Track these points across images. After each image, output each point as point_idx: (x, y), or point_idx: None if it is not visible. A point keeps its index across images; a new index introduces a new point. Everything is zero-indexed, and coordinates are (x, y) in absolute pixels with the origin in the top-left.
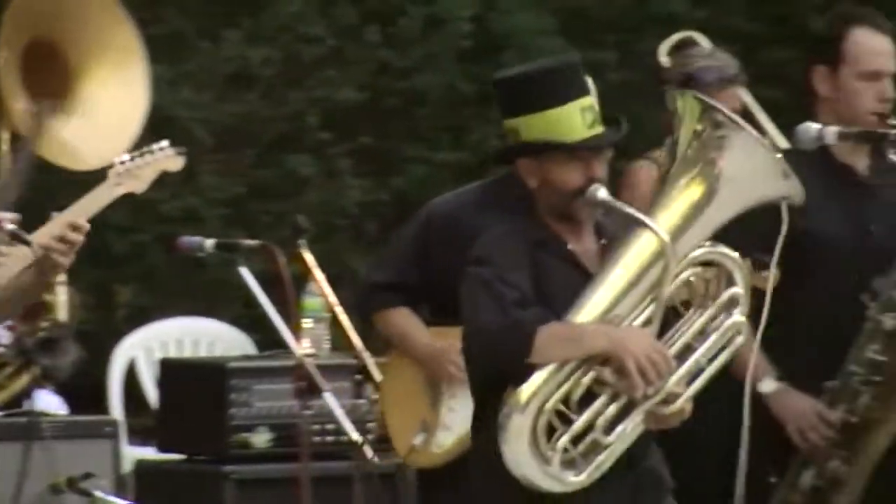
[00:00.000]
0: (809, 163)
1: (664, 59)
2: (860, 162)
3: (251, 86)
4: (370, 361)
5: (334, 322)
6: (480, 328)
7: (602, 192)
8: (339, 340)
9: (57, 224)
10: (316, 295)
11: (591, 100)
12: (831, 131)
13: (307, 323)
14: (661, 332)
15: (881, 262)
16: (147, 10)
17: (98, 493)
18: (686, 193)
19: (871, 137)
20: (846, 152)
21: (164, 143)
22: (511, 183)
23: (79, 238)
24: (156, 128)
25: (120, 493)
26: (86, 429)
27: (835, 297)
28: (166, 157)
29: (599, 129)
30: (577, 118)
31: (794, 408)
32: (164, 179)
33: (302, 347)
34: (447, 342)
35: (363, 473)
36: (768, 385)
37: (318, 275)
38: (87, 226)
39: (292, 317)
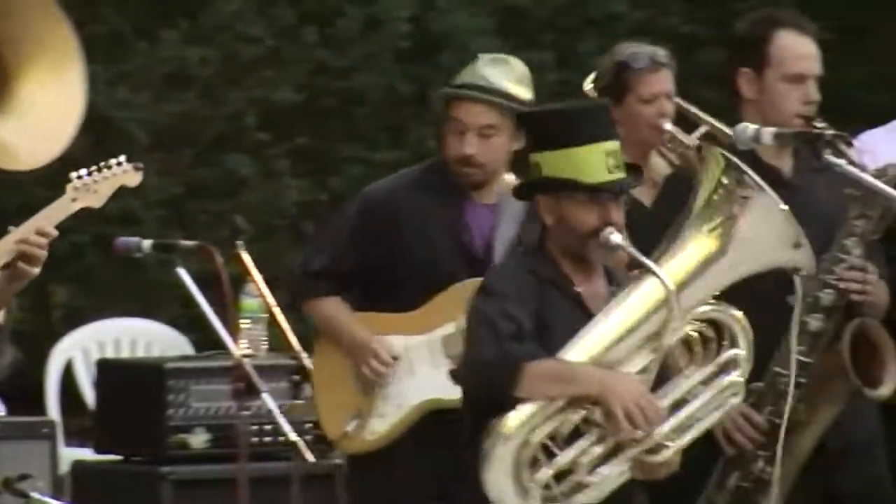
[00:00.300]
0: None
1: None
2: (785, 164)
3: (189, 86)
4: (308, 362)
5: (272, 322)
6: (473, 359)
7: (616, 237)
8: (277, 341)
9: (16, 234)
10: (254, 295)
11: (615, 145)
12: (768, 132)
13: (245, 323)
14: (658, 385)
15: None
16: (85, 9)
17: (34, 495)
18: (700, 245)
19: (806, 138)
20: (770, 153)
21: (122, 158)
22: (443, 167)
23: (42, 242)
24: (93, 128)
25: (57, 494)
26: (22, 430)
27: (761, 299)
28: (124, 173)
29: (621, 175)
30: (601, 160)
31: None
32: None
33: (240, 348)
34: (371, 335)
35: (301, 474)
36: None
37: (256, 275)
38: (55, 232)
39: (230, 317)
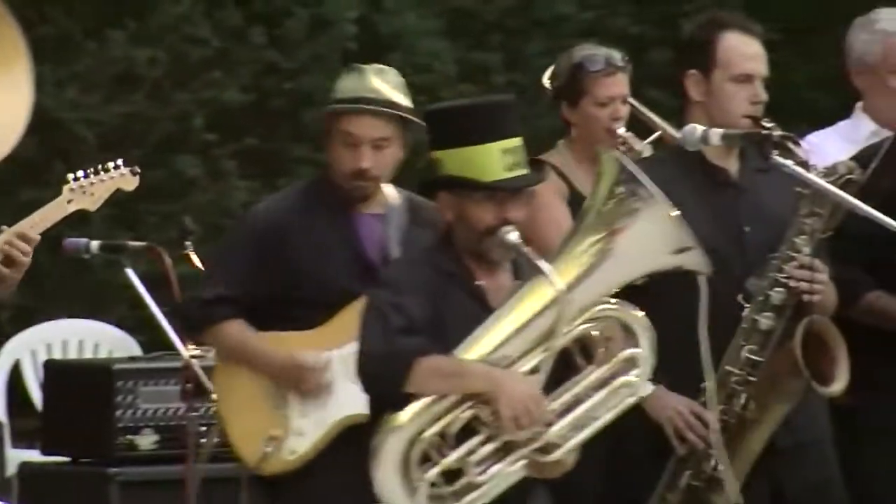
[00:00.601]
0: (687, 164)
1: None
2: (732, 164)
3: (137, 87)
4: None
5: None
6: (362, 352)
7: (512, 236)
8: None
9: (5, 235)
10: None
11: (516, 142)
12: (716, 133)
13: None
14: (560, 382)
15: (755, 262)
16: (33, 10)
17: None
18: (590, 250)
19: (754, 139)
20: (717, 154)
21: (119, 161)
22: (328, 182)
23: (25, 248)
24: (41, 129)
25: (4, 495)
26: None
27: (712, 298)
28: (121, 176)
29: (520, 172)
30: (497, 159)
31: (670, 409)
32: (49, 180)
33: (188, 349)
34: (289, 351)
35: (250, 475)
36: (644, 388)
37: None
38: (37, 238)
39: (179, 318)
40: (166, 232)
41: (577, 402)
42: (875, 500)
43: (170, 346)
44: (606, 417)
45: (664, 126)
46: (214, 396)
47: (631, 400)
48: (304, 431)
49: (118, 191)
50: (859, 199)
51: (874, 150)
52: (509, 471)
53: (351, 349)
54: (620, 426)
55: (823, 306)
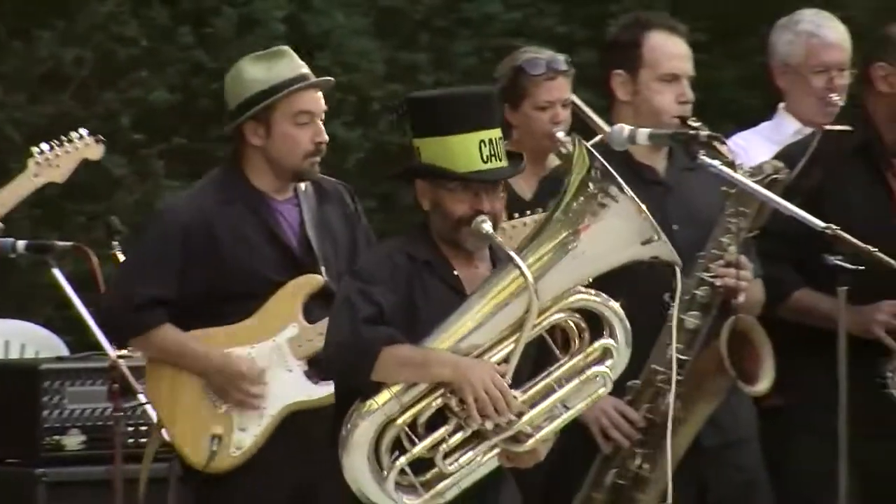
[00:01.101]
0: (614, 163)
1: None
2: (659, 163)
3: (64, 86)
4: None
5: None
6: (329, 342)
7: (486, 226)
8: None
9: None
10: None
11: (494, 133)
12: (643, 133)
13: None
14: (537, 372)
15: (683, 261)
16: None
17: None
18: (561, 242)
19: (681, 139)
20: (644, 153)
21: (83, 130)
22: (239, 173)
23: None
24: None
25: None
26: None
27: (638, 297)
28: (85, 146)
29: (497, 164)
30: (474, 149)
31: (595, 408)
32: None
33: (115, 349)
34: (226, 355)
35: (177, 475)
36: None
37: None
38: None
39: (105, 326)
40: (93, 232)
41: (549, 391)
42: (800, 499)
43: (97, 347)
44: (579, 407)
45: (606, 128)
46: (143, 398)
47: (603, 390)
48: (247, 427)
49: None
50: (785, 198)
51: (799, 149)
52: (481, 461)
53: (284, 337)
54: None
55: (750, 305)
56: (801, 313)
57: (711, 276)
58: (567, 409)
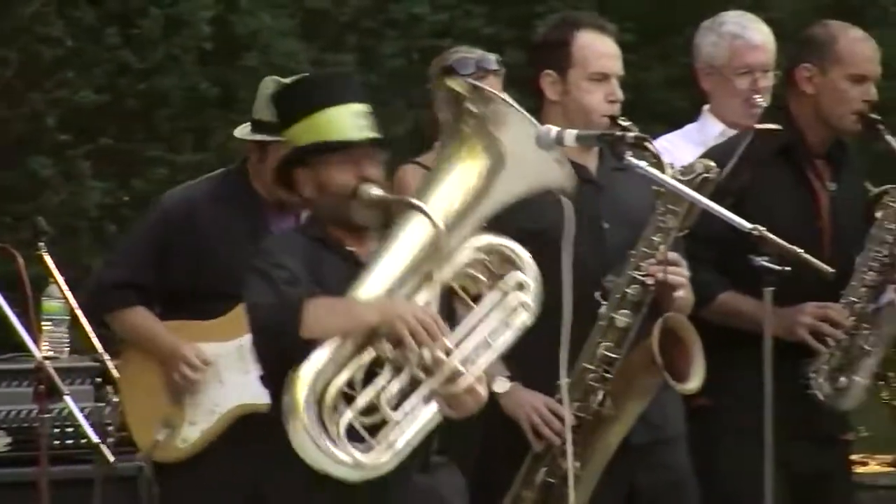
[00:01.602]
0: None
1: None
2: (591, 162)
3: None
4: (111, 364)
5: (74, 324)
6: (251, 306)
7: (375, 190)
8: (80, 343)
9: None
10: (56, 297)
11: (363, 107)
12: (570, 134)
13: (47, 325)
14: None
15: (614, 259)
16: None
17: None
18: (467, 172)
19: (608, 140)
20: (576, 152)
21: None
22: (242, 175)
23: None
24: None
25: None
26: None
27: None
28: None
29: (372, 133)
30: (349, 119)
31: (526, 405)
32: None
33: (41, 350)
34: (183, 342)
35: (103, 476)
36: (501, 385)
37: (59, 277)
38: None
39: (32, 319)
40: (20, 233)
41: (472, 329)
42: (728, 499)
43: (22, 348)
44: (506, 336)
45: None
46: (69, 400)
47: (525, 317)
48: (196, 421)
49: None
50: (715, 198)
51: (730, 149)
52: (425, 410)
53: (249, 339)
54: (485, 423)
55: (683, 305)
56: (727, 315)
57: (643, 275)
58: (496, 342)
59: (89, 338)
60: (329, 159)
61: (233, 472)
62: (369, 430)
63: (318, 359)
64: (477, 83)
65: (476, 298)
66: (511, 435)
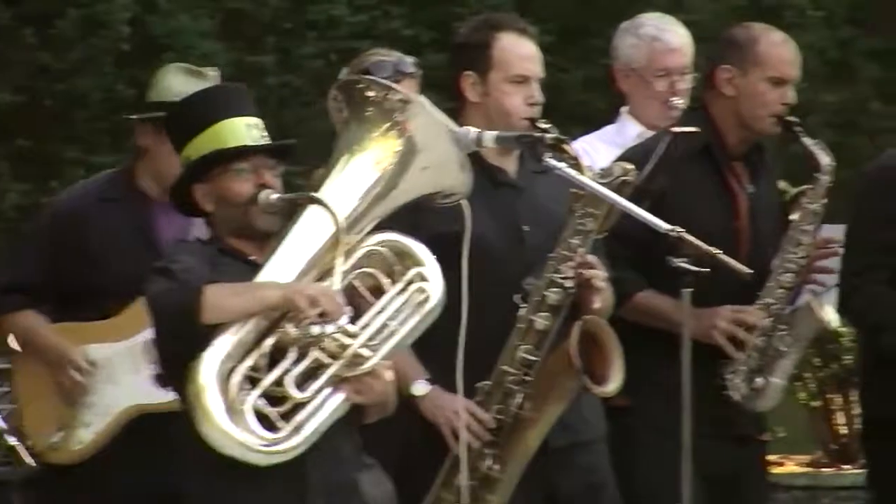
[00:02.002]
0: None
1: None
2: (510, 165)
3: None
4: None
5: None
6: (150, 296)
7: (274, 195)
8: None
9: None
10: None
11: (257, 120)
12: (490, 136)
13: None
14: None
15: (534, 262)
16: None
17: None
18: (370, 162)
19: (527, 141)
20: (495, 155)
21: None
22: (129, 176)
23: None
24: None
25: None
26: None
27: (490, 298)
28: None
29: (267, 142)
30: (242, 130)
31: (446, 408)
32: None
33: None
34: (70, 345)
35: (20, 478)
36: (420, 388)
37: None
38: None
39: None
40: None
41: (377, 315)
42: (646, 500)
43: None
44: (410, 324)
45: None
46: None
47: (429, 306)
48: (90, 422)
49: None
50: (634, 200)
51: (649, 151)
52: (332, 396)
53: (140, 339)
54: (405, 426)
55: (602, 308)
56: (644, 314)
57: (562, 278)
58: (401, 327)
59: (6, 339)
60: (226, 169)
61: (134, 472)
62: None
63: (221, 344)
64: (380, 80)
65: (377, 294)
66: (431, 438)
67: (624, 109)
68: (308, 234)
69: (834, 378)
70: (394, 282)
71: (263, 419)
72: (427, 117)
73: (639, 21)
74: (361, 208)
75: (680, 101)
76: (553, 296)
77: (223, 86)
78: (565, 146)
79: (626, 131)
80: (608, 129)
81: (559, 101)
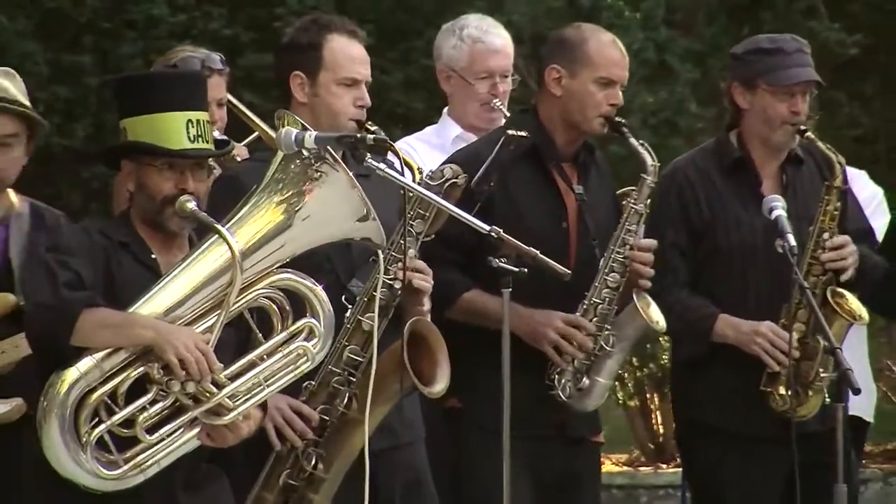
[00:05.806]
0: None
1: None
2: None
3: None
4: None
5: None
6: (30, 305)
7: (191, 204)
8: None
9: None
10: None
11: (202, 115)
12: (310, 137)
13: None
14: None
15: (360, 263)
16: None
17: None
18: (270, 214)
19: (348, 143)
20: None
21: None
22: None
23: None
24: None
25: None
26: None
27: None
28: None
29: (203, 145)
30: (181, 128)
31: (270, 406)
32: None
33: None
34: None
35: None
36: None
37: None
38: None
39: None
40: None
41: (252, 366)
42: (475, 499)
43: None
44: (282, 381)
45: (263, 127)
46: None
47: (306, 366)
48: None
49: None
50: (464, 202)
51: (476, 153)
52: (182, 435)
53: None
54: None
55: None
56: (471, 315)
57: (390, 279)
58: (270, 385)
59: None
60: (154, 163)
61: None
62: (126, 441)
63: (84, 364)
64: (325, 135)
65: (268, 330)
66: (254, 436)
67: (445, 110)
68: (206, 264)
69: (651, 378)
70: (283, 327)
71: (107, 450)
72: (337, 184)
73: (461, 22)
74: (264, 246)
75: (501, 104)
76: (381, 296)
77: (179, 73)
78: (393, 148)
79: (446, 132)
80: (429, 130)
81: (380, 101)
